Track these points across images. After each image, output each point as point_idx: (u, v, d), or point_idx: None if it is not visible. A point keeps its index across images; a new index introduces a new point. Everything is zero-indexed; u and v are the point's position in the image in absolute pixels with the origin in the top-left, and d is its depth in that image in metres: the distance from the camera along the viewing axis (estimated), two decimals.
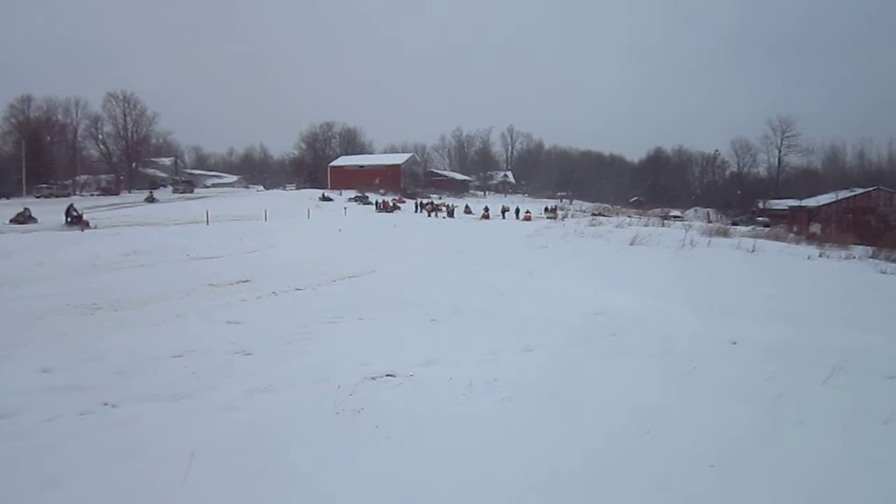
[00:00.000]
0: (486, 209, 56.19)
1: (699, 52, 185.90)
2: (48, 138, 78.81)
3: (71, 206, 29.46)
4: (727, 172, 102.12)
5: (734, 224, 42.33)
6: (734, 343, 7.15)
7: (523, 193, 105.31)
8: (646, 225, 27.79)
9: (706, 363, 6.13)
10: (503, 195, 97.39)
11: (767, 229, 34.29)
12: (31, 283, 10.89)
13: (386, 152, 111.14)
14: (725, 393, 5.11)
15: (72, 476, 3.38)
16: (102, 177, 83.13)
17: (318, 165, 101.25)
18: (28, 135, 67.47)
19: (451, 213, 54.22)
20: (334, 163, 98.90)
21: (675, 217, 50.22)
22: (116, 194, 72.27)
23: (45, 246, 16.76)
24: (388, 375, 5.33)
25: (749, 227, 35.82)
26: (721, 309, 9.59)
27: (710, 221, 44.52)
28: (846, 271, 16.55)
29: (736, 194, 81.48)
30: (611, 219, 35.55)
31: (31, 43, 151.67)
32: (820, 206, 57.39)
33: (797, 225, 46.01)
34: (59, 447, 3.77)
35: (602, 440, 4.00)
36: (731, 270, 14.84)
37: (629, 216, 39.95)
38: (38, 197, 56.53)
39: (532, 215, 52.07)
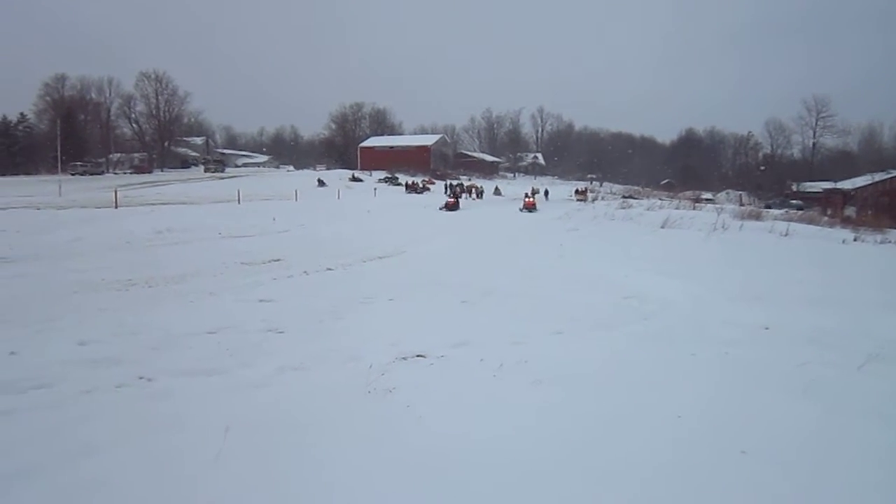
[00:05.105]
0: (497, 190, 55.53)
1: (733, 31, 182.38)
2: (82, 117, 80.00)
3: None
4: (760, 154, 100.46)
5: (767, 207, 41.54)
6: (767, 328, 7.04)
7: (553, 175, 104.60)
8: (677, 208, 27.48)
9: (738, 348, 6.05)
10: (533, 177, 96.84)
11: (801, 212, 33.75)
12: (69, 259, 11.09)
13: (416, 133, 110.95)
14: (758, 379, 5.05)
15: (108, 446, 3.45)
16: (135, 155, 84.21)
17: (347, 146, 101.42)
18: (63, 113, 68.38)
19: (480, 195, 53.83)
20: (364, 143, 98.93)
21: (707, 200, 49.44)
22: (149, 172, 73.12)
23: (81, 222, 17.02)
24: (418, 356, 5.35)
25: (782, 211, 35.29)
26: (753, 293, 9.46)
27: (742, 204, 43.76)
28: (882, 256, 16.22)
29: (769, 176, 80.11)
30: (641, 201, 35.22)
31: (65, 22, 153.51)
32: (855, 189, 55.85)
33: (831, 208, 45.10)
34: (95, 418, 3.86)
35: (633, 424, 3.97)
36: (764, 254, 14.63)
37: (660, 199, 39.50)
38: (72, 174, 57.34)
39: (535, 201, 38.78)
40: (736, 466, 3.43)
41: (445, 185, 60.10)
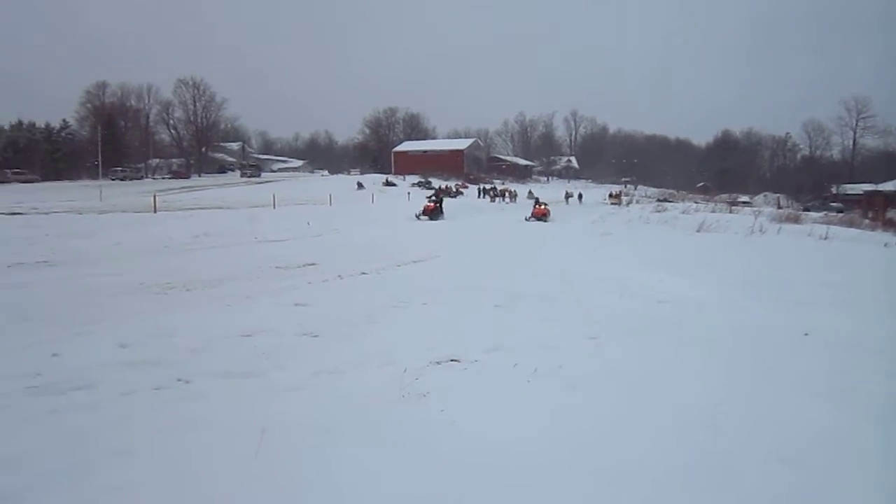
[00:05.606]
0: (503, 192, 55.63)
1: (770, 30, 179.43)
2: (122, 123, 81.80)
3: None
4: (798, 156, 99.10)
5: (806, 210, 40.83)
6: (806, 334, 6.90)
7: (587, 178, 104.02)
8: (713, 211, 27.19)
9: (776, 354, 5.95)
10: (567, 180, 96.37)
11: (841, 215, 33.06)
12: (109, 262, 11.32)
13: (449, 137, 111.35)
14: (796, 385, 4.96)
15: (146, 446, 3.51)
16: (173, 160, 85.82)
17: (381, 151, 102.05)
18: (103, 120, 69.99)
19: (513, 198, 53.84)
20: (398, 148, 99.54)
21: (744, 203, 48.77)
22: (187, 178, 74.36)
23: (121, 227, 17.37)
24: (452, 360, 5.34)
25: (821, 214, 34.63)
26: (792, 298, 9.29)
27: (780, 207, 42.93)
28: None
29: (808, 179, 78.69)
30: (676, 205, 34.93)
31: (105, 31, 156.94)
32: None
33: (873, 210, 44.07)
34: (135, 419, 3.93)
35: (668, 432, 3.93)
36: (803, 258, 14.39)
37: (695, 202, 39.13)
38: (112, 179, 58.64)
39: (547, 209, 32.08)
40: (774, 475, 3.38)
41: (479, 189, 60.13)
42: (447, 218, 28.51)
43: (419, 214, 28.95)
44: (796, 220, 23.39)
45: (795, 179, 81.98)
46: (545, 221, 29.76)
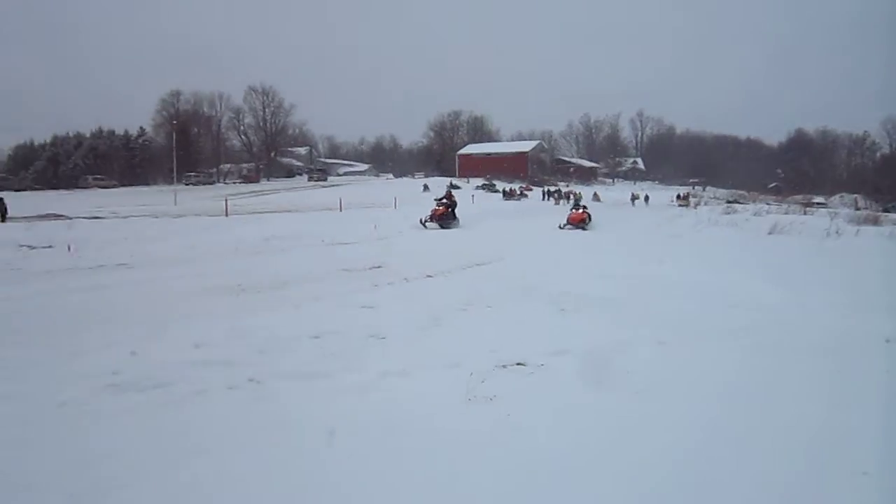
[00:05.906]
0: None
1: (842, 25, 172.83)
2: (195, 130, 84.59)
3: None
4: (878, 155, 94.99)
5: (886, 211, 39.09)
6: (888, 341, 6.63)
7: (654, 180, 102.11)
8: (786, 213, 26.38)
9: (855, 362, 5.72)
10: (633, 182, 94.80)
11: None
12: (183, 265, 11.70)
13: (513, 140, 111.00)
14: (876, 395, 4.76)
15: (220, 445, 3.64)
16: (244, 165, 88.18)
17: (445, 154, 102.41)
18: (178, 127, 72.51)
19: (578, 201, 53.22)
20: (462, 151, 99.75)
21: (819, 204, 47.21)
22: (257, 182, 76.26)
23: (195, 230, 17.91)
24: (518, 364, 5.32)
25: None
26: (873, 303, 8.91)
27: (858, 208, 41.39)
28: None
29: (888, 178, 75.45)
30: (747, 206, 34.02)
31: (178, 42, 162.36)
32: None
33: None
34: (209, 418, 4.08)
35: (739, 440, 3.83)
36: (883, 262, 13.79)
37: (767, 203, 38.02)
38: (186, 184, 60.80)
39: (586, 215, 25.72)
40: (856, 489, 3.27)
41: (543, 191, 59.64)
42: (477, 223, 25.81)
43: (425, 220, 23.36)
44: (875, 221, 22.48)
45: (874, 179, 78.68)
46: (584, 229, 24.17)
